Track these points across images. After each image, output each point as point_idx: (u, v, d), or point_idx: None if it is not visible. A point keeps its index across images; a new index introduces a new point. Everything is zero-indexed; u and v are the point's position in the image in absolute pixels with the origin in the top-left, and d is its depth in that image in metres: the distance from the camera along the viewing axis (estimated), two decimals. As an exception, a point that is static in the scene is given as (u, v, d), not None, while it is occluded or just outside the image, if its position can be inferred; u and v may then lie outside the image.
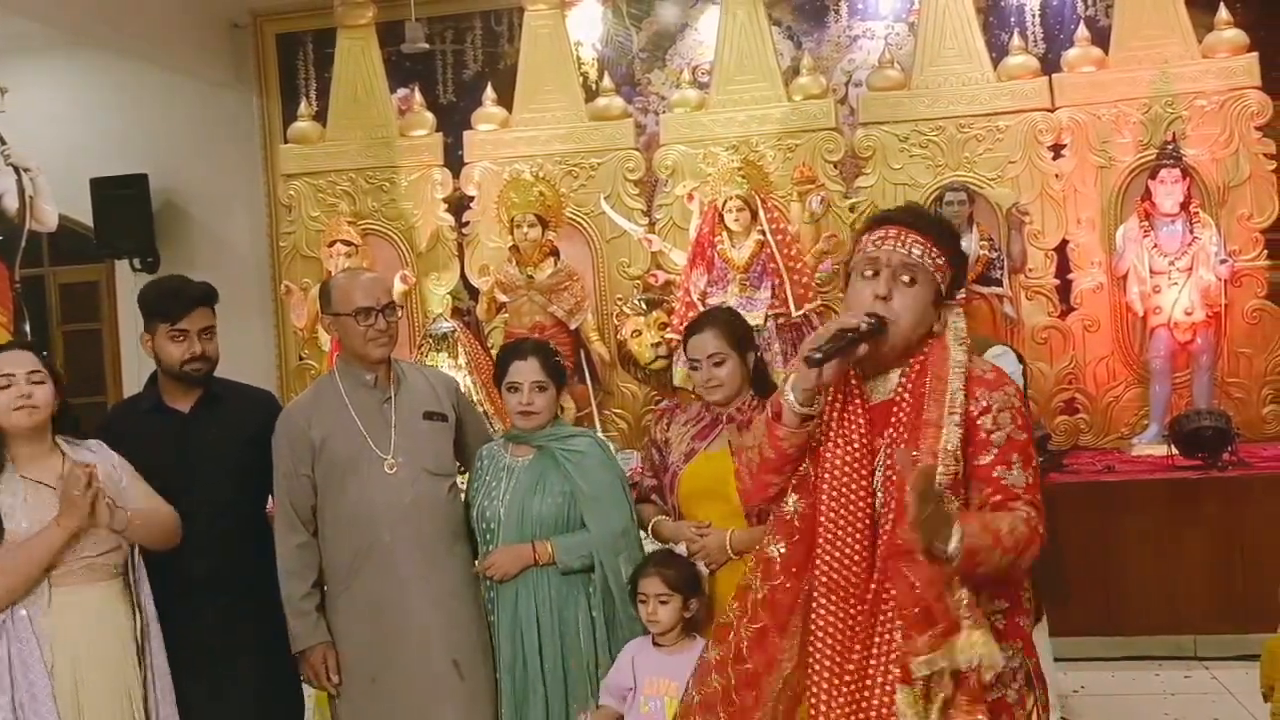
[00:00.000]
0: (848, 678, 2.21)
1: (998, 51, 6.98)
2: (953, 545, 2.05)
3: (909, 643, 2.11)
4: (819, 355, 2.20)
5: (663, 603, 3.07)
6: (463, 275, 7.22)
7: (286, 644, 3.27)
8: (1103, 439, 6.54)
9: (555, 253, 6.53)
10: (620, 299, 6.82)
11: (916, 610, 2.12)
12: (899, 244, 2.31)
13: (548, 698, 3.19)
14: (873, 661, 2.19)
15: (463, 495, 3.40)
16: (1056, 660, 3.32)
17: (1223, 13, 6.59)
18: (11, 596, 2.89)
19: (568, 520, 3.25)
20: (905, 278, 2.29)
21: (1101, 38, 6.84)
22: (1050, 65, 6.93)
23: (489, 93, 7.32)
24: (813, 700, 2.23)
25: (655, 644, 3.12)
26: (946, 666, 2.09)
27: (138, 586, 3.06)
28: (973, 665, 2.09)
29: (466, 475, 3.45)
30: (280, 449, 3.29)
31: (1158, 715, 4.88)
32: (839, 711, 2.20)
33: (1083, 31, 6.86)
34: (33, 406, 2.99)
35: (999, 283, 6.30)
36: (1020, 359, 3.19)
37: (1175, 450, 5.74)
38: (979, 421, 2.26)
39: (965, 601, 2.10)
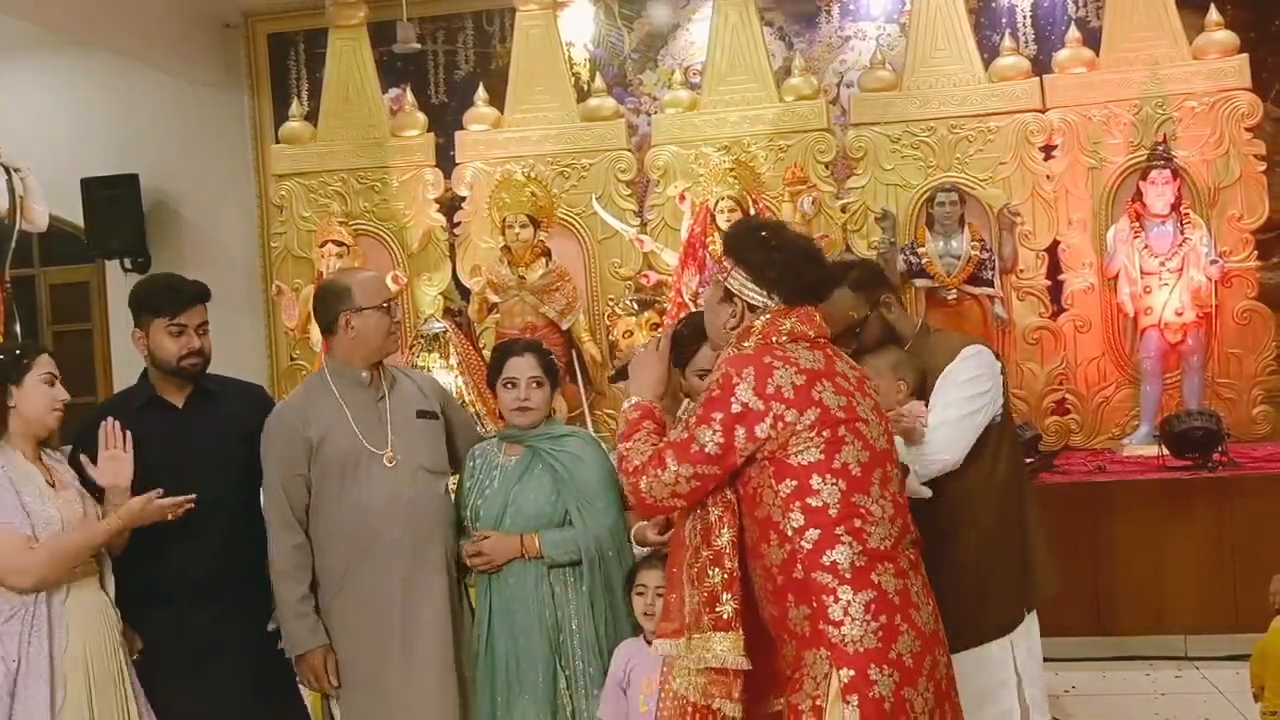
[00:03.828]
0: None
1: (989, 52, 7.00)
2: None
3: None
4: None
5: (660, 596, 3.07)
6: (454, 276, 7.21)
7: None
8: (1093, 439, 6.55)
9: (547, 253, 6.53)
10: (612, 299, 6.83)
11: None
12: None
13: (536, 689, 3.19)
14: None
15: (453, 495, 3.41)
16: (1046, 660, 3.32)
17: (1213, 14, 6.59)
18: (46, 585, 2.90)
19: (555, 519, 3.25)
20: None
21: (1092, 39, 6.85)
22: (1041, 66, 6.94)
23: (481, 93, 7.31)
24: None
25: (649, 641, 3.11)
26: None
27: (109, 585, 3.08)
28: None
29: (457, 476, 3.45)
30: (275, 449, 3.25)
31: (1148, 715, 4.88)
32: None
33: (1074, 33, 6.86)
34: (63, 412, 3.05)
35: (990, 283, 6.32)
36: (997, 357, 3.19)
37: (1166, 451, 5.75)
38: None
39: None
